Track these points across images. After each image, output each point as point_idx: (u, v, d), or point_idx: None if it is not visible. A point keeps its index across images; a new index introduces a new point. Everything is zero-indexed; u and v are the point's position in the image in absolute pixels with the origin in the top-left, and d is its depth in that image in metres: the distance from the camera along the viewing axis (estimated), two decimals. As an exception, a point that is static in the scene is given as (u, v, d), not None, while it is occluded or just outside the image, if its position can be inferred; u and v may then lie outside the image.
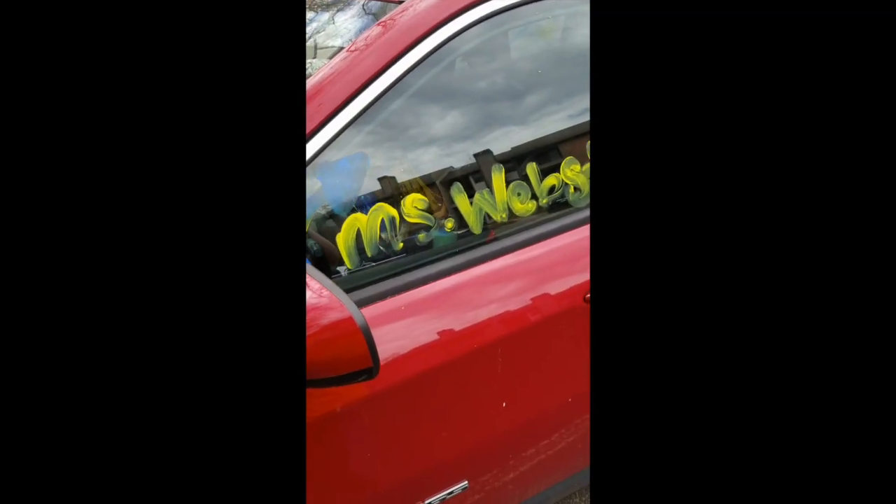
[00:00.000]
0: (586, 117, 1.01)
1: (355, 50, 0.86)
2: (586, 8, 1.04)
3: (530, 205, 0.94)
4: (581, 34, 1.03)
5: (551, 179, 0.95)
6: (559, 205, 0.98)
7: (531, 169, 0.93)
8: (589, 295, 0.96)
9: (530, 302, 0.92)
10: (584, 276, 0.96)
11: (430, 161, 0.91)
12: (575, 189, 0.98)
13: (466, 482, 0.97)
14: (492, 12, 0.91)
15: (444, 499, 0.95)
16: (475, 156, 0.92)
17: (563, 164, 0.96)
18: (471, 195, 0.90)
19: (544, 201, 0.95)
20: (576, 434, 1.12)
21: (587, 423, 1.12)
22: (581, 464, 1.19)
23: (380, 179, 0.88)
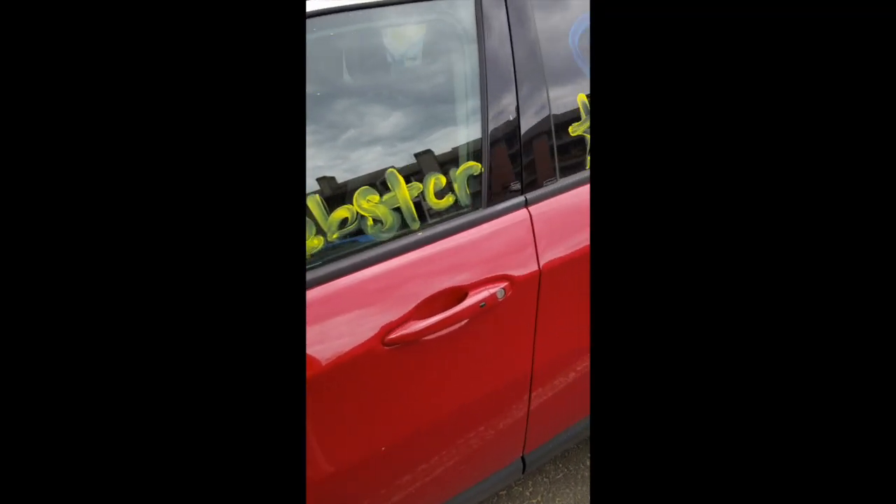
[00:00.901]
0: (395, 144, 0.90)
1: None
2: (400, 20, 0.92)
3: (316, 241, 0.86)
4: (386, 48, 0.91)
5: (342, 212, 0.86)
6: (350, 234, 0.88)
7: (313, 202, 0.84)
8: (390, 337, 0.87)
9: (326, 345, 0.85)
10: (385, 319, 0.87)
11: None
12: (375, 221, 0.88)
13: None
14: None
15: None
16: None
17: (356, 194, 0.86)
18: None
19: (334, 236, 0.86)
20: (427, 476, 1.04)
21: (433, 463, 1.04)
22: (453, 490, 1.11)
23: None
